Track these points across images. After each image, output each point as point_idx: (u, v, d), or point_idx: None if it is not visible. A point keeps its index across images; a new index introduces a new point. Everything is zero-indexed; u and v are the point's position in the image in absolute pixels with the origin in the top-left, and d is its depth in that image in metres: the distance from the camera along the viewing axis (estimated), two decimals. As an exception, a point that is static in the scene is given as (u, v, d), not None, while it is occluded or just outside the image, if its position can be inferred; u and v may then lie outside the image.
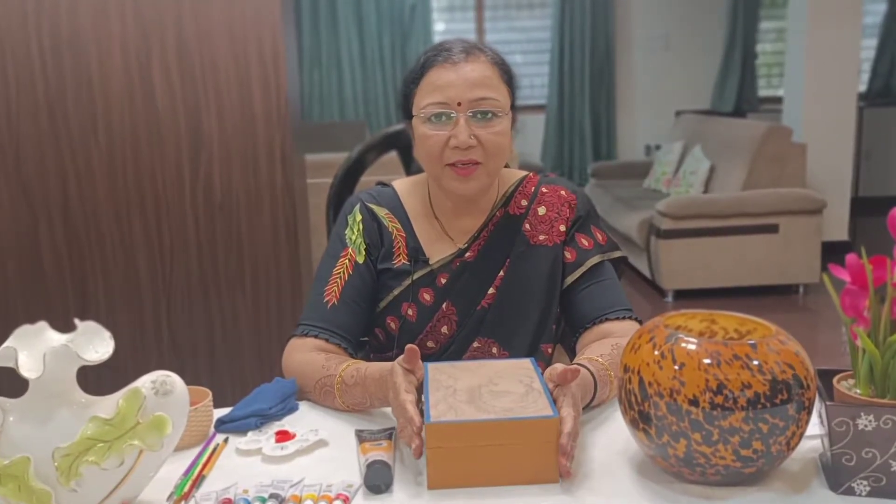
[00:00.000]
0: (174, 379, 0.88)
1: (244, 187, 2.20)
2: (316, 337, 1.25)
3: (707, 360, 0.85)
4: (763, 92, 6.54)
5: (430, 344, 1.30)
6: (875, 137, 6.12)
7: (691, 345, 0.87)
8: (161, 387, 0.87)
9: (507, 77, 1.25)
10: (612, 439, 1.04)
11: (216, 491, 0.92)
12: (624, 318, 1.27)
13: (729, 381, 0.84)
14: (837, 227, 4.74)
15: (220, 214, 2.21)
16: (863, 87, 6.14)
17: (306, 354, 1.23)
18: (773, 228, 4.05)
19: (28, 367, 0.82)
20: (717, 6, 6.26)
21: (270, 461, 1.02)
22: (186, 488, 0.94)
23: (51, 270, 2.20)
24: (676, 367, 0.86)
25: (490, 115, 1.20)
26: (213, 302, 2.26)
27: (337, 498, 0.89)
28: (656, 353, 0.89)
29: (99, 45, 2.10)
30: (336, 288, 1.28)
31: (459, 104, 1.19)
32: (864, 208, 5.62)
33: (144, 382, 0.87)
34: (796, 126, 4.53)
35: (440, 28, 6.48)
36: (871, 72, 6.36)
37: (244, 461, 1.03)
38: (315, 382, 1.18)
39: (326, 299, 1.28)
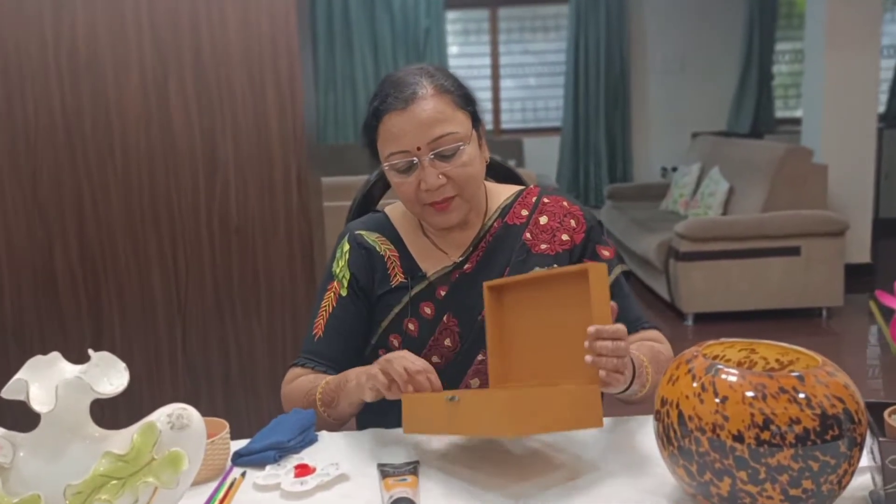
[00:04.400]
0: (190, 412, 0.85)
1: (260, 210, 2.19)
2: (303, 366, 1.29)
3: (751, 394, 0.81)
4: (780, 113, 6.50)
5: (434, 359, 1.27)
6: (894, 158, 6.05)
7: (734, 376, 0.83)
8: (177, 421, 0.83)
9: (462, 100, 1.24)
10: (648, 475, 0.99)
11: (233, 529, 0.88)
12: (651, 328, 1.30)
13: (776, 415, 0.79)
14: (859, 249, 4.67)
15: (236, 237, 2.19)
16: (881, 108, 6.08)
17: (295, 381, 1.28)
18: (794, 251, 3.99)
19: (40, 399, 0.79)
20: (732, 27, 6.23)
21: (290, 497, 0.97)
22: (202, 526, 0.89)
23: (65, 293, 2.19)
24: (718, 401, 0.82)
25: (452, 151, 1.20)
26: (229, 327, 2.24)
27: (360, 538, 0.85)
28: (696, 385, 0.84)
29: (116, 68, 2.10)
30: (322, 321, 1.31)
31: (419, 149, 1.19)
32: (886, 230, 5.55)
33: (160, 416, 0.84)
34: (816, 147, 4.48)
35: (454, 51, 6.49)
36: (888, 92, 6.30)
37: (262, 497, 0.98)
38: (303, 398, 1.22)
39: (315, 332, 1.31)
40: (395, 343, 1.29)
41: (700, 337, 3.91)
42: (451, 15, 6.38)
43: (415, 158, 1.20)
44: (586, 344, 1.01)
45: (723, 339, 0.96)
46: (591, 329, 1.00)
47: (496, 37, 6.44)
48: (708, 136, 5.50)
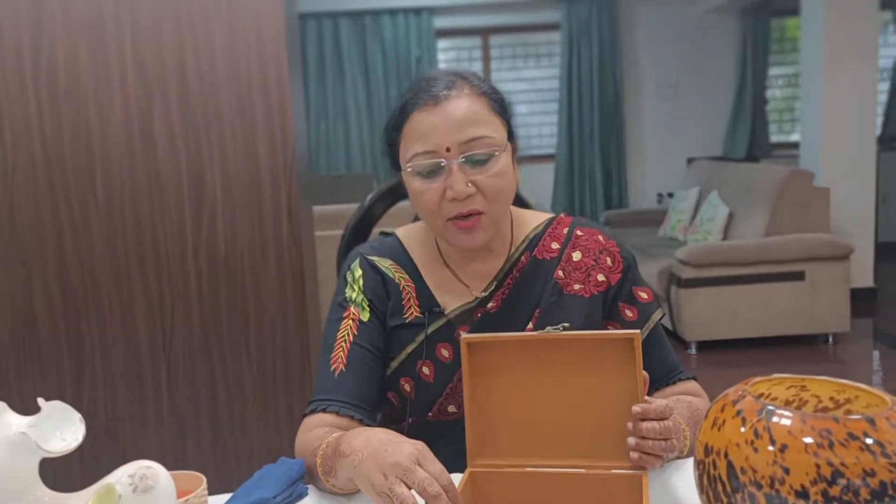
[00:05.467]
0: (157, 471, 0.73)
1: (249, 240, 2.09)
2: (324, 411, 1.10)
3: (815, 441, 0.69)
4: (775, 138, 6.46)
5: (451, 409, 1.14)
6: (892, 182, 6.00)
7: (792, 420, 0.71)
8: (141, 482, 0.71)
9: (499, 106, 1.11)
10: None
11: None
12: (688, 379, 1.17)
13: (846, 466, 0.68)
14: (863, 273, 4.58)
15: (224, 268, 2.09)
16: (876, 131, 6.05)
17: (309, 433, 1.08)
18: (798, 276, 3.89)
19: (-23, 461, 0.67)
20: (725, 53, 6.21)
21: (276, 564, 0.85)
22: None
23: (45, 331, 2.08)
24: (776, 449, 0.70)
25: (485, 156, 1.07)
26: (216, 363, 2.13)
27: None
28: (747, 430, 0.73)
29: (98, 96, 2.01)
30: (342, 353, 1.13)
31: (448, 150, 1.06)
32: (886, 254, 5.47)
33: (120, 477, 0.71)
34: (815, 171, 4.41)
35: (447, 79, 6.43)
36: (884, 115, 6.27)
37: (245, 564, 0.86)
38: (310, 462, 1.03)
39: (333, 367, 1.13)
40: (407, 388, 1.16)
41: (704, 366, 3.80)
42: (442, 43, 6.34)
43: (443, 161, 1.06)
44: (629, 426, 0.90)
45: (768, 377, 0.85)
46: (637, 409, 0.89)
47: (488, 64, 6.40)
48: (705, 161, 5.44)
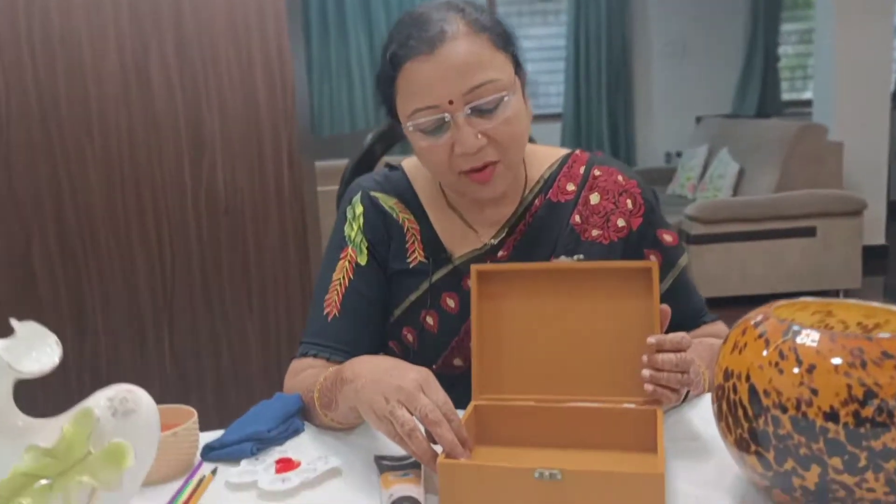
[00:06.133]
0: (138, 395, 0.68)
1: (250, 192, 2.03)
2: (315, 356, 1.05)
3: (845, 360, 0.64)
4: (786, 96, 6.33)
5: (457, 362, 1.08)
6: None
7: (820, 340, 0.66)
8: (121, 405, 0.66)
9: (502, 40, 0.99)
10: (705, 464, 0.82)
11: (197, 539, 0.71)
12: (714, 321, 1.12)
13: (880, 387, 0.62)
14: (875, 230, 4.50)
15: (225, 220, 2.04)
16: (891, 87, 5.91)
17: (299, 375, 1.04)
18: (810, 232, 3.82)
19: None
20: (736, 8, 6.06)
21: (268, 497, 0.80)
22: (159, 536, 0.73)
23: (44, 286, 2.03)
24: (803, 370, 0.65)
25: (493, 104, 0.96)
26: (218, 318, 2.09)
27: (354, 549, 0.68)
28: (771, 351, 0.68)
29: (93, 43, 1.94)
30: (336, 297, 1.07)
31: (451, 102, 0.95)
32: (897, 211, 5.38)
33: (99, 400, 0.67)
34: (828, 127, 4.31)
35: (452, 36, 6.30)
36: (897, 72, 6.13)
37: (236, 497, 0.81)
38: (307, 398, 0.98)
39: (326, 311, 1.07)
40: (409, 338, 1.10)
41: (713, 323, 3.74)
42: (447, -1, 6.19)
43: (446, 115, 0.95)
44: (644, 358, 0.84)
45: (792, 301, 0.79)
46: (652, 339, 0.84)
47: (494, 21, 6.26)
48: (715, 118, 5.34)
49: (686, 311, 1.10)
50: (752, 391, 0.67)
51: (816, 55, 4.63)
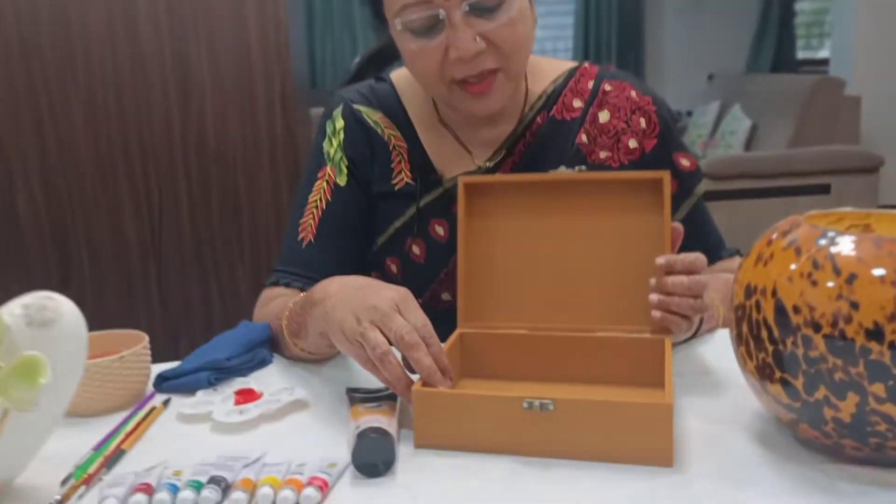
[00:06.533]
0: (59, 302, 0.58)
1: (241, 137, 1.96)
2: (287, 286, 0.96)
3: (893, 269, 0.53)
4: (802, 54, 6.13)
5: (445, 297, 0.99)
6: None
7: (862, 246, 0.55)
8: (38, 314, 0.56)
9: None
10: (718, 398, 0.73)
11: (135, 472, 0.62)
12: (732, 255, 1.03)
13: (935, 298, 0.52)
14: (891, 187, 4.36)
15: (215, 166, 1.96)
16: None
17: (269, 304, 0.94)
18: (824, 189, 3.69)
19: None
20: (753, -39, 5.85)
21: (224, 430, 0.71)
22: (92, 468, 0.63)
23: (29, 231, 1.95)
24: (841, 281, 0.55)
25: (495, 2, 0.84)
26: (209, 266, 2.03)
27: (310, 483, 0.58)
28: (802, 261, 0.57)
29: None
30: (312, 221, 0.97)
31: None
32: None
33: (12, 308, 0.57)
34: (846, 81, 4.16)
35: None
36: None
37: (188, 430, 0.72)
38: (275, 327, 0.89)
39: (301, 236, 0.97)
40: (393, 269, 1.00)
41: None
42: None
43: (441, 11, 0.83)
44: (652, 281, 0.74)
45: (829, 210, 0.69)
46: (661, 260, 0.73)
47: (502, -27, 6.06)
48: (727, 75, 5.17)
49: (702, 245, 0.99)
50: (779, 308, 0.57)
51: (835, 9, 4.45)
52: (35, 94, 1.87)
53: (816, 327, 0.55)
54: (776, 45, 5.90)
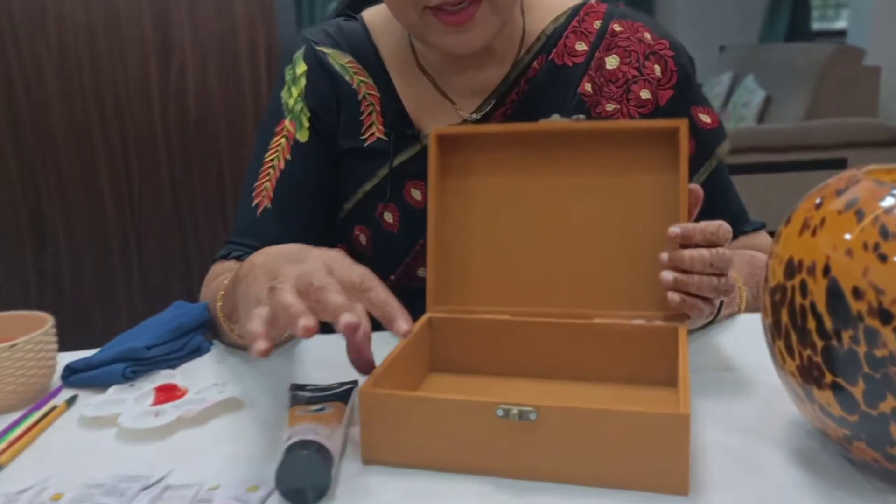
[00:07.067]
0: None
1: (224, 100, 1.85)
2: (240, 259, 0.82)
3: None
4: (817, 25, 5.94)
5: (421, 272, 0.85)
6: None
7: (949, 210, 0.41)
8: None
9: None
10: (742, 405, 0.59)
11: (4, 495, 0.49)
12: (757, 229, 0.90)
13: None
14: (909, 165, 4.20)
15: (197, 132, 1.86)
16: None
17: (215, 280, 0.80)
18: (840, 164, 3.54)
19: None
20: (767, -72, 5.64)
21: (131, 438, 0.58)
22: (-49, 489, 0.50)
23: (1, 199, 1.84)
24: (921, 255, 0.41)
25: None
26: (191, 237, 1.93)
27: (217, 516, 0.45)
28: (865, 227, 0.43)
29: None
30: (268, 183, 0.84)
31: None
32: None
33: None
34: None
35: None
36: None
37: (89, 437, 0.59)
38: (212, 309, 0.75)
39: (256, 202, 0.84)
40: (362, 239, 0.86)
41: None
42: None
43: None
44: (663, 256, 0.60)
45: (889, 165, 0.55)
46: (675, 229, 0.59)
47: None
48: (740, 46, 4.99)
49: (721, 216, 0.85)
50: (834, 291, 0.43)
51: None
52: (4, 57, 1.77)
53: (885, 317, 0.41)
54: (790, 15, 5.71)
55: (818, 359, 0.45)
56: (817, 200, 0.48)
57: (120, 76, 1.81)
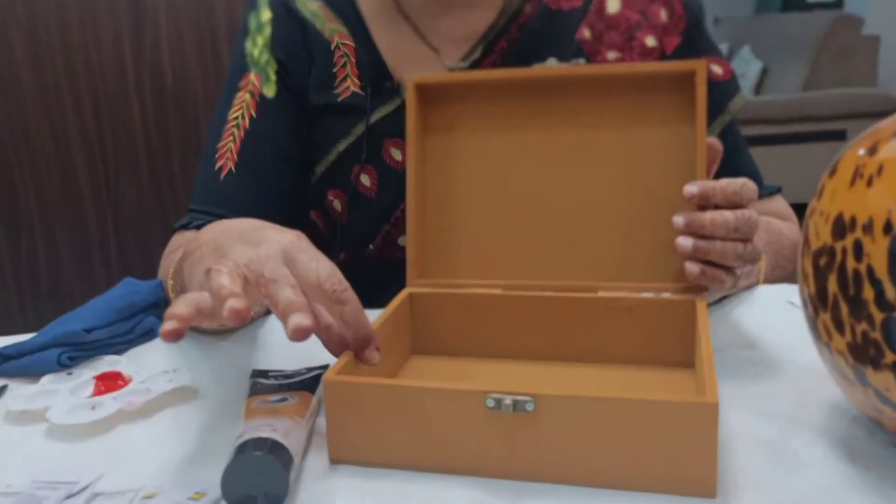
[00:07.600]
0: None
1: (202, 70, 1.78)
2: (199, 228, 0.73)
3: None
4: (813, -6, 5.84)
5: (402, 241, 0.78)
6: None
7: None
8: None
9: None
10: (772, 388, 0.51)
11: None
12: (773, 193, 0.82)
13: None
14: (908, 137, 4.14)
15: (174, 107, 1.79)
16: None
17: (173, 253, 0.72)
18: (839, 135, 3.47)
19: None
20: None
21: (61, 436, 0.50)
22: None
23: None
24: None
25: None
26: (171, 216, 1.84)
27: (147, 533, 0.37)
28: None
29: None
30: (232, 144, 0.76)
31: None
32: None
33: None
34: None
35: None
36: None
37: (15, 434, 0.51)
38: (166, 286, 0.67)
39: (219, 165, 0.76)
40: (337, 205, 0.78)
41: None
42: None
43: None
44: (678, 220, 0.52)
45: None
46: (692, 188, 0.51)
47: None
48: (735, 17, 4.91)
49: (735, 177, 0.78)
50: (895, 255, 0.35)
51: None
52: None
53: (967, 283, 0.33)
54: (786, -15, 5.62)
55: (876, 334, 0.37)
56: (870, 145, 0.40)
57: (91, 46, 1.73)
